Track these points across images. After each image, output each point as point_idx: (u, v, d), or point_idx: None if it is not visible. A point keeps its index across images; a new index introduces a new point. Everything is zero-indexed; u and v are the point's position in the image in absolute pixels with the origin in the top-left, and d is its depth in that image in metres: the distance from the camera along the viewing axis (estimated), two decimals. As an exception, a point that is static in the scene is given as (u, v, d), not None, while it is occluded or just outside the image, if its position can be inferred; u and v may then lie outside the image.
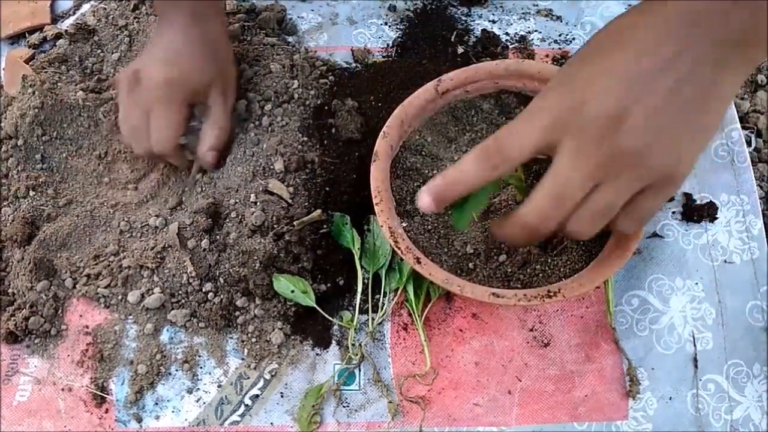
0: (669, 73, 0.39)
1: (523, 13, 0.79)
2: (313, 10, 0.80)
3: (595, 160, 0.41)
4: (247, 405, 0.61)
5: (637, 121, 0.40)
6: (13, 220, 0.66)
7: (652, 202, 0.44)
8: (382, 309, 0.63)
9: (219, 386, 0.62)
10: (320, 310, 0.62)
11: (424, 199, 0.47)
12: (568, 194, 0.43)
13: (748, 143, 0.73)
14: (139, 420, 0.61)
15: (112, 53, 0.76)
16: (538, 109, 0.44)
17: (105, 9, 0.79)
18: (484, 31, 0.77)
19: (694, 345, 0.62)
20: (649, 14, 0.41)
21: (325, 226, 0.65)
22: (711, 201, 0.66)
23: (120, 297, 0.64)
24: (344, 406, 0.61)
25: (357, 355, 0.62)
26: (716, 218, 0.66)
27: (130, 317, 0.64)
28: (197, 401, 0.61)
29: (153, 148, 0.65)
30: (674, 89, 0.40)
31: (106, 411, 0.61)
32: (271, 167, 0.65)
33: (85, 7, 0.81)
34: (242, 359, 0.62)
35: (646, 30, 0.41)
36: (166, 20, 0.66)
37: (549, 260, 0.58)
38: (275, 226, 0.63)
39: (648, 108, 0.40)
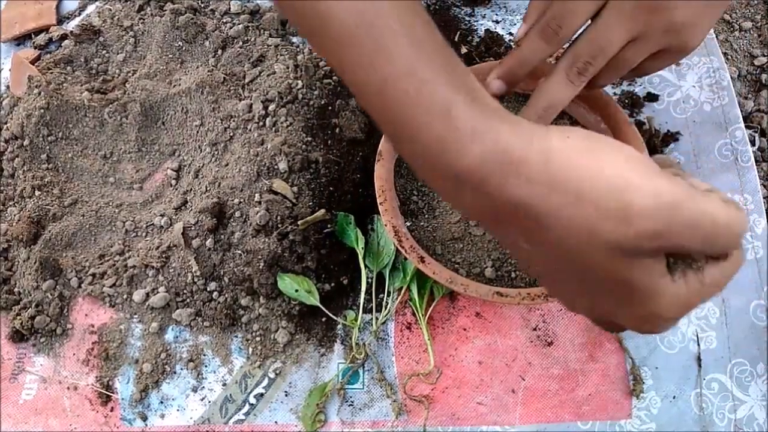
0: None
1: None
2: (316, 11, 0.80)
3: (639, 20, 0.45)
4: (251, 404, 0.61)
5: None
6: (19, 220, 0.67)
7: (660, 64, 0.49)
8: (386, 308, 0.63)
9: (224, 385, 0.62)
10: (324, 309, 0.62)
11: (494, 84, 0.50)
12: (606, 46, 0.46)
13: (752, 143, 0.72)
14: (144, 418, 0.61)
15: (118, 54, 0.76)
16: None
17: (110, 10, 0.79)
18: (487, 31, 0.77)
19: (698, 344, 0.62)
20: None
21: (329, 225, 0.65)
22: (715, 200, 0.66)
23: (125, 296, 0.64)
24: (348, 405, 0.61)
25: (361, 354, 0.62)
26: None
27: (136, 316, 0.64)
28: (202, 400, 0.62)
29: None
30: None
31: (112, 409, 0.61)
32: (276, 167, 0.66)
33: (91, 8, 0.81)
34: (247, 358, 0.63)
35: None
36: None
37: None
38: (279, 225, 0.63)
39: None
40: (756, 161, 0.70)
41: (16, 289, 0.66)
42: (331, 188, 0.67)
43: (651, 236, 0.32)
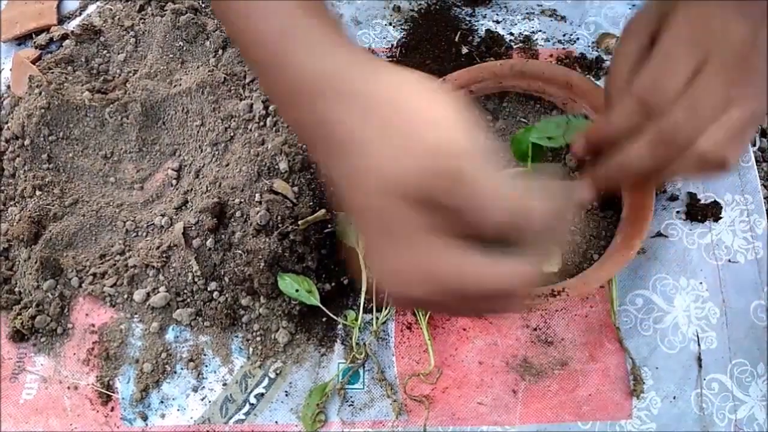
0: None
1: (527, 13, 0.79)
2: (317, 11, 0.80)
3: (733, 78, 0.42)
4: (251, 403, 0.61)
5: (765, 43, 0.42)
6: (19, 220, 0.67)
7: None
8: (386, 308, 0.63)
9: (224, 385, 0.62)
10: (325, 309, 0.62)
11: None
12: (705, 107, 0.42)
13: (753, 143, 0.73)
14: (145, 418, 0.61)
15: (118, 54, 0.76)
16: (675, 45, 0.44)
17: (111, 10, 0.79)
18: (488, 31, 0.77)
19: (698, 344, 0.62)
20: None
21: (329, 225, 0.65)
22: (715, 200, 0.66)
23: (126, 296, 0.65)
24: (349, 405, 0.61)
25: (361, 354, 0.62)
26: (720, 218, 0.66)
27: (136, 316, 0.64)
28: (202, 400, 0.62)
29: None
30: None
31: (112, 409, 0.62)
32: (276, 167, 0.66)
33: (92, 7, 0.81)
34: (247, 358, 0.63)
35: None
36: None
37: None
38: (280, 225, 0.63)
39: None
40: (756, 161, 0.70)
41: (16, 289, 0.66)
42: (331, 188, 0.67)
43: (418, 174, 0.33)
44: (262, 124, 0.69)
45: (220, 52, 0.75)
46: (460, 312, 0.43)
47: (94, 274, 0.65)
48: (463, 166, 0.33)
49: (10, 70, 0.77)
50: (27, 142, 0.70)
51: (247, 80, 0.72)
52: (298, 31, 0.39)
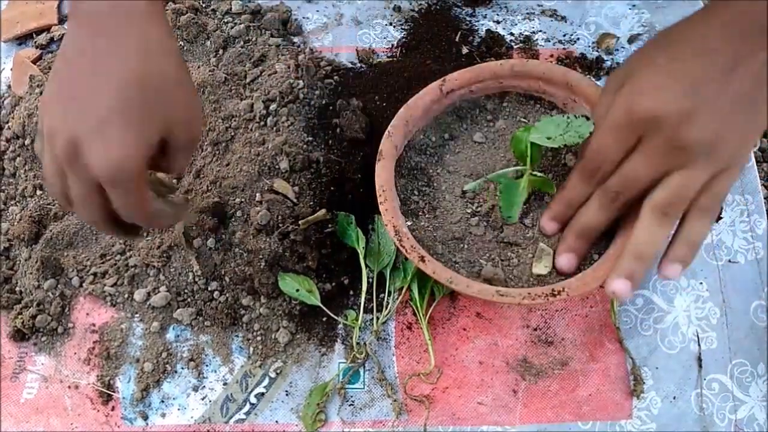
0: (735, 75, 0.46)
1: (527, 14, 0.79)
2: (318, 11, 0.80)
3: (665, 154, 0.49)
4: (252, 403, 0.62)
5: (706, 118, 0.47)
6: (20, 219, 0.67)
7: (720, 187, 0.50)
8: (386, 308, 0.63)
9: (224, 384, 0.62)
10: (325, 309, 0.62)
11: (549, 225, 0.59)
12: (638, 177, 0.51)
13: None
14: (145, 417, 0.61)
15: (119, 53, 0.76)
16: (612, 120, 0.51)
17: (111, 10, 0.79)
18: (488, 31, 0.77)
19: (699, 344, 0.62)
20: (714, 16, 0.48)
21: (330, 225, 0.65)
22: (715, 201, 0.66)
23: (126, 295, 0.65)
24: (349, 405, 0.61)
25: (362, 353, 0.62)
26: (721, 218, 0.66)
27: (137, 315, 0.64)
28: (203, 399, 0.62)
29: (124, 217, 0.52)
30: (739, 90, 0.47)
31: (113, 408, 0.62)
32: (277, 167, 0.66)
33: (92, 7, 0.81)
34: (248, 357, 0.63)
35: (711, 31, 0.48)
36: None
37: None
38: (280, 225, 0.63)
39: (715, 107, 0.47)
40: (756, 161, 0.70)
41: (17, 288, 0.66)
42: (332, 188, 0.67)
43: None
44: (262, 123, 0.69)
45: (221, 51, 0.75)
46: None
47: (95, 274, 0.65)
48: None
49: (11, 69, 0.77)
50: (28, 141, 0.70)
51: (248, 80, 0.72)
52: None
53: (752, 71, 0.46)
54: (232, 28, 0.76)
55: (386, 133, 0.62)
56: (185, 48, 0.75)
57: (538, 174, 0.57)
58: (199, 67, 0.74)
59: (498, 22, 0.79)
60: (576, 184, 0.55)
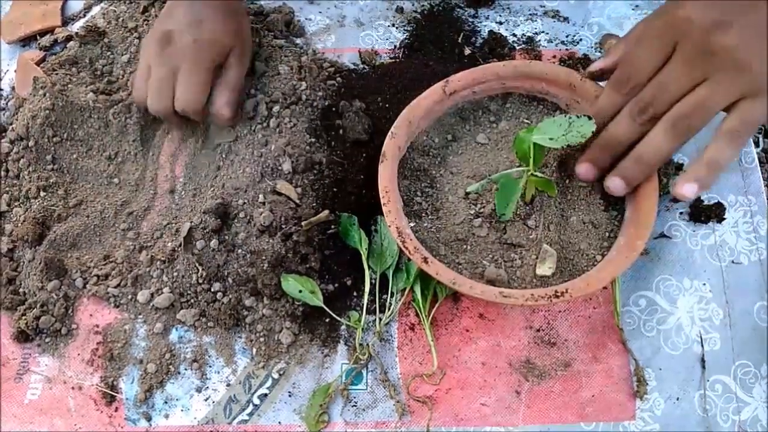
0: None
1: (529, 15, 0.79)
2: (320, 12, 0.80)
3: (697, 58, 0.51)
4: (255, 404, 0.62)
5: (739, 29, 0.50)
6: (24, 221, 0.67)
7: (750, 110, 0.51)
8: (389, 309, 0.63)
9: (228, 385, 0.62)
10: (328, 310, 0.62)
11: (582, 167, 0.59)
12: (669, 86, 0.52)
13: (756, 144, 0.73)
14: (149, 418, 0.61)
15: (122, 55, 0.77)
16: (650, 28, 0.55)
17: (115, 11, 0.80)
18: (491, 32, 0.77)
19: (702, 345, 0.62)
20: None
21: (332, 226, 0.65)
22: (719, 201, 0.66)
23: (130, 297, 0.65)
24: (352, 406, 0.61)
25: (364, 354, 0.62)
26: (724, 219, 0.66)
27: (140, 317, 0.64)
28: (206, 400, 0.62)
29: (177, 106, 0.67)
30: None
31: (116, 409, 0.62)
32: (279, 168, 0.66)
33: (96, 9, 0.81)
34: (251, 358, 0.63)
35: None
36: None
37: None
38: (283, 226, 0.63)
39: (748, 21, 0.50)
40: (760, 162, 0.70)
41: (21, 290, 0.66)
42: (334, 189, 0.67)
43: None
44: (265, 125, 0.69)
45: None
46: None
47: (98, 275, 0.65)
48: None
49: (15, 71, 0.77)
50: (31, 143, 0.70)
51: (257, 74, 0.73)
52: None
53: None
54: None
55: (389, 134, 0.62)
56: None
57: (539, 174, 0.57)
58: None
59: (500, 23, 0.79)
60: (608, 96, 0.56)
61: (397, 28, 0.79)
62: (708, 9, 0.51)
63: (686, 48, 0.52)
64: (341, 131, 0.69)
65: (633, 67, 0.55)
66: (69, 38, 0.78)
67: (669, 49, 0.53)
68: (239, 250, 0.63)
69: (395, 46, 0.78)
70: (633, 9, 0.78)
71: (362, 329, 0.63)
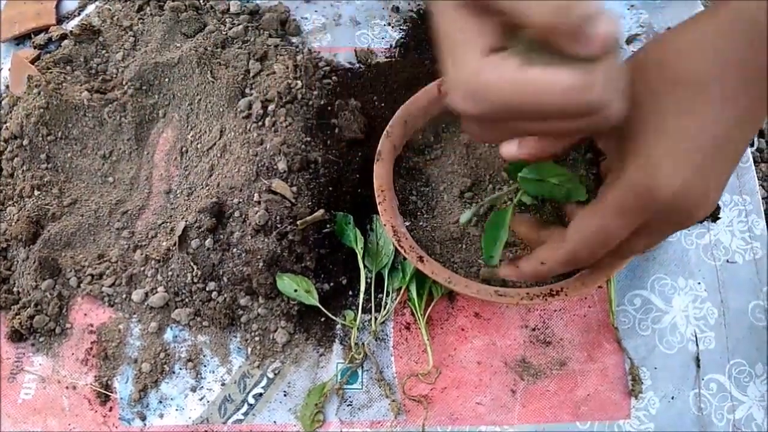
0: (731, 142, 0.39)
1: (525, 14, 0.79)
2: (316, 11, 0.80)
3: (670, 232, 0.44)
4: (250, 403, 0.61)
5: (715, 194, 0.41)
6: (18, 220, 0.67)
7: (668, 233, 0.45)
8: (385, 308, 0.63)
9: (222, 385, 0.62)
10: (323, 309, 0.62)
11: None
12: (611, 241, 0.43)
13: (751, 144, 0.73)
14: (143, 418, 0.61)
15: (117, 53, 0.76)
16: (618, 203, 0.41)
17: (110, 10, 0.79)
18: (486, 31, 0.77)
19: (697, 345, 0.62)
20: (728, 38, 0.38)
21: (328, 225, 0.65)
22: (713, 201, 0.67)
23: (124, 296, 0.65)
24: (347, 405, 0.61)
25: (360, 354, 0.62)
26: (719, 218, 0.66)
27: (135, 316, 0.64)
28: (201, 400, 0.62)
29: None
30: (732, 156, 0.40)
31: (110, 409, 0.61)
32: (275, 167, 0.66)
33: (90, 8, 0.81)
34: (246, 358, 0.63)
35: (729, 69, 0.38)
36: None
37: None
38: (279, 225, 0.63)
39: (722, 174, 0.40)
40: (754, 162, 0.71)
41: (15, 289, 0.66)
42: (330, 188, 0.67)
43: None
44: (260, 124, 0.69)
45: (220, 51, 0.75)
46: (517, 131, 0.39)
47: (93, 274, 0.65)
48: None
49: (9, 70, 0.77)
50: (26, 141, 0.69)
51: (247, 80, 0.72)
52: None
53: (746, 131, 0.40)
54: (230, 28, 0.76)
55: (384, 133, 0.62)
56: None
57: (528, 201, 0.54)
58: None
59: (496, 23, 0.79)
60: (559, 264, 0.46)
61: (392, 27, 0.79)
62: (692, 183, 0.39)
63: (662, 227, 0.43)
64: (337, 130, 0.69)
65: (598, 243, 0.44)
66: (63, 37, 0.78)
67: (640, 223, 0.43)
68: (234, 249, 0.63)
69: (391, 45, 0.78)
70: (629, 8, 0.78)
71: (358, 328, 0.63)
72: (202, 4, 0.78)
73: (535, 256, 0.47)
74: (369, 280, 0.64)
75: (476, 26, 0.35)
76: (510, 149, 0.43)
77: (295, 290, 0.62)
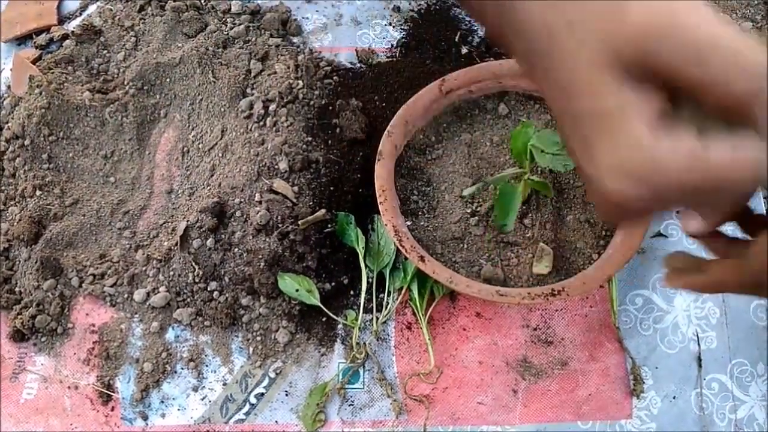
0: None
1: (526, 14, 0.79)
2: (317, 11, 0.80)
3: None
4: (252, 403, 0.62)
5: None
6: (20, 220, 0.67)
7: None
8: (386, 308, 0.63)
9: (224, 384, 0.62)
10: (325, 309, 0.62)
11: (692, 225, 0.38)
12: None
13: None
14: (145, 418, 0.61)
15: (118, 54, 0.76)
16: None
17: (111, 10, 0.79)
18: (488, 31, 0.77)
19: (698, 344, 0.62)
20: None
21: (329, 225, 0.65)
22: (715, 200, 0.66)
23: (126, 295, 0.65)
24: (349, 405, 0.61)
25: (361, 353, 0.62)
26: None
27: (136, 316, 0.64)
28: (202, 399, 0.62)
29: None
30: None
31: (112, 409, 0.62)
32: (276, 167, 0.66)
33: (92, 8, 0.81)
34: (247, 358, 0.63)
35: None
36: None
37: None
38: (280, 225, 0.63)
39: None
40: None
41: (17, 289, 0.66)
42: (331, 188, 0.67)
43: (634, 32, 0.28)
44: (262, 123, 0.69)
45: (221, 50, 0.75)
46: (667, 207, 0.35)
47: (94, 274, 0.65)
48: (692, 15, 0.27)
49: (11, 70, 0.77)
50: (27, 141, 0.70)
51: (248, 80, 0.72)
52: None
53: None
54: (231, 29, 0.76)
55: (386, 132, 0.62)
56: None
57: (536, 179, 0.56)
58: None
59: (497, 22, 0.78)
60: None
61: (393, 26, 0.79)
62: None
63: None
64: (338, 130, 0.69)
65: None
66: (65, 37, 0.78)
67: None
68: (236, 249, 0.63)
69: (392, 45, 0.78)
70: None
71: (359, 328, 0.63)
72: (204, 4, 0.78)
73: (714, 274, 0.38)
74: (370, 280, 0.64)
75: (640, 94, 0.29)
76: (694, 225, 0.37)
77: (297, 290, 0.62)
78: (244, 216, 0.64)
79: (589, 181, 0.32)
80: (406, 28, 0.79)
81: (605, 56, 0.29)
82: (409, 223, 0.61)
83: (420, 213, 0.62)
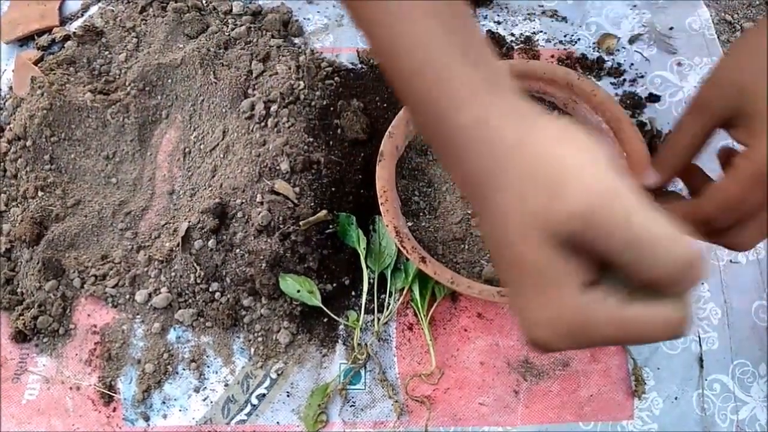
0: None
1: (528, 14, 0.79)
2: (319, 12, 0.80)
3: None
4: (253, 404, 0.62)
5: None
6: (21, 221, 0.67)
7: None
8: (387, 309, 0.63)
9: (226, 385, 0.62)
10: (326, 309, 0.62)
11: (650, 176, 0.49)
12: None
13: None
14: (147, 419, 0.61)
15: (120, 54, 0.76)
16: None
17: (113, 11, 0.79)
18: (489, 31, 0.77)
19: (700, 345, 0.62)
20: None
21: (330, 226, 0.65)
22: (716, 201, 0.66)
23: (127, 296, 0.65)
24: (350, 406, 0.61)
25: (363, 354, 0.62)
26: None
27: (138, 316, 0.64)
28: (204, 400, 0.62)
29: None
30: None
31: (114, 410, 0.62)
32: (278, 168, 0.66)
33: (93, 9, 0.81)
34: (249, 358, 0.63)
35: None
36: None
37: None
38: (281, 226, 0.63)
39: None
40: (758, 162, 0.70)
41: (19, 290, 0.66)
42: (332, 189, 0.67)
43: (571, 216, 0.31)
44: (263, 124, 0.69)
45: (222, 51, 0.75)
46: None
47: (96, 275, 0.65)
48: (625, 207, 0.31)
49: (13, 71, 0.77)
50: (29, 143, 0.70)
51: (249, 81, 0.72)
52: (443, 73, 0.36)
53: None
54: (232, 29, 0.77)
55: (387, 133, 0.62)
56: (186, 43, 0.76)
57: None
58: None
59: (499, 23, 0.78)
60: (741, 189, 0.45)
61: (395, 27, 0.79)
62: None
63: None
64: (339, 131, 0.69)
65: None
66: (67, 38, 0.78)
67: None
68: (237, 250, 0.63)
69: (393, 46, 0.77)
70: (631, 9, 0.78)
71: (360, 329, 0.63)
72: (205, 5, 0.78)
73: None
74: (372, 281, 0.64)
75: (574, 263, 0.32)
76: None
77: (298, 291, 0.62)
78: (246, 217, 0.64)
79: (520, 323, 0.35)
80: (407, 28, 0.78)
81: (543, 226, 0.32)
82: (410, 224, 0.61)
83: (421, 214, 0.62)
